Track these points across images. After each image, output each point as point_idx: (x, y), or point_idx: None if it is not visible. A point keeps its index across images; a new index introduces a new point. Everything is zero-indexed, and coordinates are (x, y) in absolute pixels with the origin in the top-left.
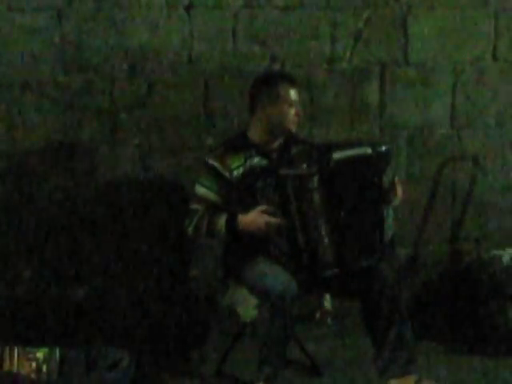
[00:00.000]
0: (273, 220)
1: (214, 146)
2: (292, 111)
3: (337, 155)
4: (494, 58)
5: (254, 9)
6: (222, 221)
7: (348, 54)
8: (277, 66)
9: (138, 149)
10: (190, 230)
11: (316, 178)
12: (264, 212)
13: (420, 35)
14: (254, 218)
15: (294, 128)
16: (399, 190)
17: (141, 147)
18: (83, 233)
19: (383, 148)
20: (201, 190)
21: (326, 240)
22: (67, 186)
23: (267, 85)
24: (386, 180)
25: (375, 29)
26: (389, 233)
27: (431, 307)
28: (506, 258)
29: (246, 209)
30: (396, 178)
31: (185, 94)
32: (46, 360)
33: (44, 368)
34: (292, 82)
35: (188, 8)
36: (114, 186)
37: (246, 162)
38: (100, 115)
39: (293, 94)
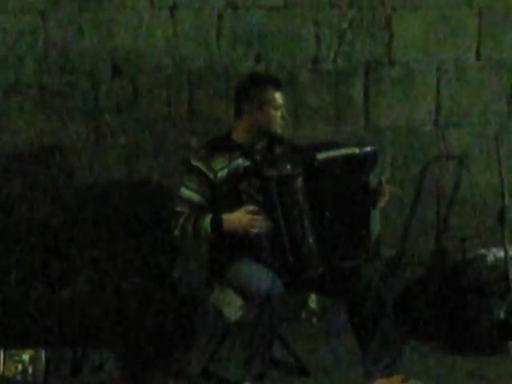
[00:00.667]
0: (257, 219)
1: (198, 147)
2: (278, 114)
3: (321, 156)
4: (478, 56)
5: (239, 9)
6: (207, 221)
7: (332, 54)
8: (261, 67)
9: (123, 150)
10: (176, 231)
11: (300, 179)
12: (249, 212)
13: (404, 35)
14: (239, 218)
15: (279, 131)
16: (386, 192)
17: (126, 148)
18: (68, 234)
19: (370, 148)
20: (186, 193)
21: (311, 240)
22: (52, 187)
23: (254, 89)
24: (372, 180)
25: (359, 29)
26: (375, 233)
27: (416, 306)
28: (490, 258)
29: (231, 210)
30: (383, 179)
31: (169, 95)
32: (32, 362)
33: (30, 370)
34: (278, 85)
35: (172, 9)
36: (99, 187)
37: (230, 163)
38: (85, 117)
39: (278, 97)
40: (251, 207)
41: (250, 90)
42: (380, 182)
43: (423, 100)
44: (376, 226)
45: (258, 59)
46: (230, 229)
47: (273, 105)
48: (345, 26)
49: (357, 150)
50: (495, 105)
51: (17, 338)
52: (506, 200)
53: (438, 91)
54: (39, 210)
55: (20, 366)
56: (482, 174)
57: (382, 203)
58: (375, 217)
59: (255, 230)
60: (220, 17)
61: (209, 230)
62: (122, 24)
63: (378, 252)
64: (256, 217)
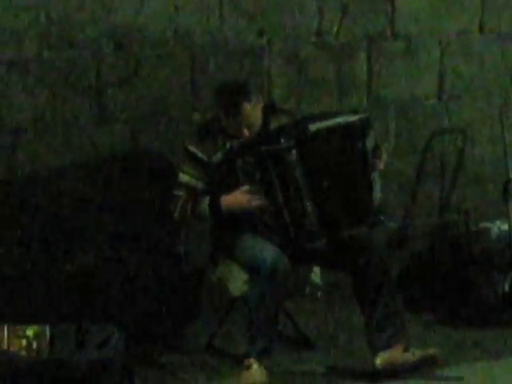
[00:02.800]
0: (255, 198)
1: (200, 121)
2: (246, 123)
3: (313, 127)
4: (481, 29)
5: None
6: (205, 203)
7: (335, 27)
8: (264, 41)
9: (126, 125)
10: (176, 215)
11: (294, 151)
12: (246, 191)
13: (407, 8)
14: (236, 198)
15: (248, 134)
16: (384, 154)
17: (128, 123)
18: (72, 209)
19: (362, 114)
20: (184, 177)
21: (311, 212)
22: (56, 161)
23: (222, 99)
24: (369, 146)
25: (362, 2)
26: (377, 199)
27: (420, 279)
28: (494, 230)
29: (230, 190)
30: (380, 146)
31: (171, 69)
32: (37, 337)
33: (34, 345)
34: (246, 95)
35: None
36: (101, 161)
37: (224, 144)
38: (87, 92)
39: (247, 108)
40: (247, 187)
41: (218, 99)
42: (377, 146)
43: (426, 73)
44: (377, 192)
45: (260, 33)
46: (229, 209)
47: (242, 118)
48: None
49: (351, 118)
50: (499, 77)
51: (21, 314)
52: (510, 173)
53: (441, 64)
54: (43, 185)
55: (24, 342)
56: (485, 147)
57: (380, 164)
58: (376, 182)
59: (253, 208)
60: None
61: (207, 212)
62: None
63: (381, 217)
64: (253, 196)
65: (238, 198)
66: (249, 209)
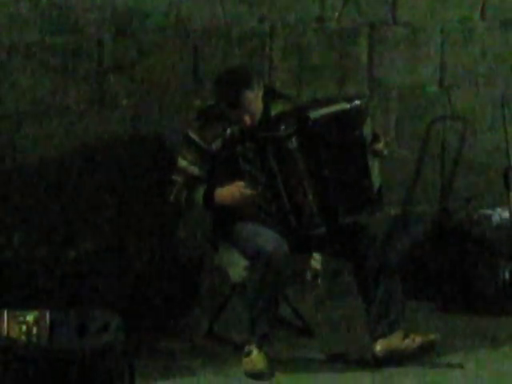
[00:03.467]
0: (248, 192)
1: (201, 108)
2: (248, 111)
3: (313, 114)
4: (483, 16)
5: None
6: (199, 193)
7: (337, 13)
8: (265, 27)
9: (127, 110)
10: (171, 199)
11: (294, 139)
12: (241, 187)
13: None
14: (230, 192)
15: (250, 123)
16: (381, 140)
17: (129, 109)
18: (73, 195)
19: (359, 101)
20: (183, 163)
21: (311, 199)
22: (56, 146)
23: (222, 89)
24: (366, 132)
25: None
26: (376, 184)
27: (421, 266)
28: (495, 218)
29: (230, 177)
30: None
31: (173, 56)
32: (37, 323)
33: (34, 331)
34: (247, 83)
35: None
36: (102, 147)
37: (224, 131)
38: (88, 77)
39: (249, 96)
40: (241, 182)
41: (218, 88)
42: (375, 134)
43: (428, 60)
44: (377, 177)
45: (261, 19)
46: (222, 203)
47: (243, 106)
48: None
49: (347, 105)
50: (500, 65)
51: (21, 299)
52: (511, 160)
53: (442, 51)
54: (43, 170)
55: (24, 327)
56: (486, 134)
57: (380, 147)
58: (375, 168)
59: (247, 204)
60: None
61: (201, 202)
62: None
63: (381, 204)
64: (247, 190)
65: (233, 193)
66: (241, 205)
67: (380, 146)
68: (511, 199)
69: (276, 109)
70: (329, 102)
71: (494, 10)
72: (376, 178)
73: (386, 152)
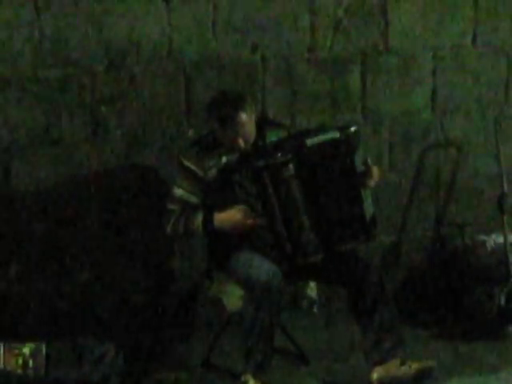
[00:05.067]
0: (249, 216)
1: (194, 137)
2: (241, 133)
3: (310, 141)
4: (474, 42)
5: None
6: (198, 219)
7: (328, 42)
8: (257, 56)
9: (120, 142)
10: (168, 229)
11: (291, 166)
12: (241, 211)
13: (400, 22)
14: (230, 216)
15: (243, 146)
16: (375, 171)
17: (123, 140)
18: (68, 227)
19: (351, 130)
20: (178, 192)
21: (308, 226)
22: (51, 178)
23: (215, 110)
24: (358, 161)
25: (355, 17)
26: (369, 213)
27: (416, 293)
28: (490, 244)
29: (226, 205)
30: (369, 160)
31: (165, 86)
32: (33, 355)
33: (31, 363)
34: (240, 104)
35: None
36: (96, 177)
37: (220, 159)
38: (81, 109)
39: (243, 117)
40: (242, 206)
41: (212, 110)
42: (366, 162)
43: (420, 87)
44: (369, 205)
45: (254, 49)
46: (221, 227)
47: (236, 128)
48: (340, 14)
49: (337, 134)
50: (492, 91)
51: (17, 332)
52: (505, 186)
53: (434, 78)
54: (38, 201)
55: (20, 360)
56: (480, 161)
57: (371, 182)
58: (367, 197)
59: (247, 228)
60: (215, 6)
61: (200, 228)
62: (116, 15)
63: (374, 232)
64: (247, 215)
65: (232, 217)
66: (241, 229)
67: (371, 182)
68: (505, 225)
69: (271, 137)
70: (321, 130)
71: (485, 37)
72: (369, 207)
73: (373, 184)
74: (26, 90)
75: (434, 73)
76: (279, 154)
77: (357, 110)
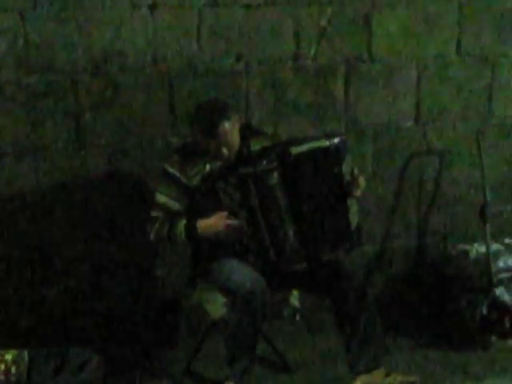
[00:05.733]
0: (233, 222)
1: (178, 145)
2: (224, 141)
3: (295, 150)
4: (458, 52)
5: (219, 7)
6: (181, 226)
7: (312, 51)
8: (241, 65)
9: (104, 149)
10: (152, 236)
11: (276, 174)
12: (223, 217)
13: (383, 31)
14: (213, 222)
15: (226, 155)
16: (361, 181)
17: (106, 147)
18: (50, 234)
19: (338, 138)
20: (161, 199)
21: (292, 235)
22: (34, 186)
23: (204, 123)
24: (345, 170)
25: (339, 26)
26: (354, 222)
27: (399, 302)
28: (472, 253)
29: (210, 212)
30: (356, 170)
31: (150, 94)
32: (15, 362)
33: (13, 370)
34: (223, 113)
35: (152, 8)
36: (79, 185)
37: (204, 166)
38: (65, 116)
39: (226, 126)
40: (225, 212)
41: (196, 119)
42: (352, 172)
43: (404, 96)
44: (354, 215)
45: (238, 57)
46: (204, 234)
47: (217, 134)
48: (324, 22)
49: (327, 142)
50: (476, 100)
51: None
52: (488, 195)
53: (418, 87)
54: (21, 209)
55: (3, 366)
56: (463, 170)
57: (357, 192)
58: (352, 206)
59: (230, 234)
60: (200, 15)
61: (183, 235)
62: (101, 23)
63: (359, 241)
64: (231, 221)
65: (215, 224)
66: (223, 236)
67: (357, 192)
68: (488, 234)
69: (255, 145)
70: (308, 139)
71: (469, 46)
72: (353, 216)
73: (359, 193)
74: (9, 97)
75: (417, 82)
76: (264, 162)
77: (341, 119)
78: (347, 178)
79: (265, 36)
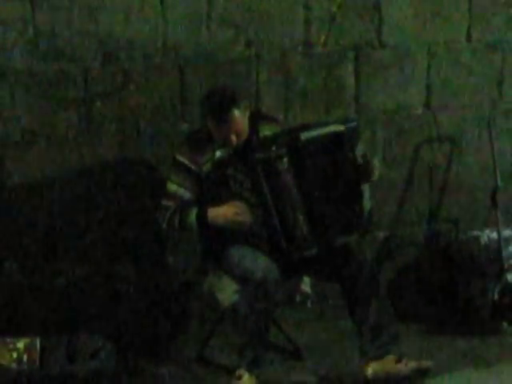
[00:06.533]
0: (243, 213)
1: (188, 132)
2: (234, 129)
3: (304, 135)
4: (468, 39)
5: None
6: (192, 215)
7: (322, 37)
8: (252, 51)
9: (114, 137)
10: (164, 225)
11: (286, 160)
12: (235, 207)
13: (394, 17)
14: (224, 212)
15: (235, 143)
16: (376, 163)
17: (117, 135)
18: (61, 221)
19: (352, 123)
20: (172, 187)
21: (302, 221)
22: (44, 173)
23: (208, 106)
24: (358, 155)
25: (349, 12)
26: (366, 208)
27: (410, 288)
28: (484, 239)
29: (221, 199)
30: (368, 153)
31: (160, 81)
32: (27, 350)
33: (25, 358)
34: (233, 101)
35: None
36: (90, 173)
37: (214, 153)
38: (75, 104)
39: (236, 114)
40: (237, 202)
41: (205, 107)
42: (365, 155)
43: (414, 82)
44: (367, 200)
45: (248, 44)
46: (215, 222)
47: (230, 125)
48: (334, 9)
49: (340, 127)
50: (486, 86)
51: (11, 327)
52: (499, 181)
53: (428, 73)
54: (32, 197)
55: (15, 354)
56: (473, 156)
57: (374, 177)
58: (365, 191)
59: (240, 224)
60: (210, 2)
61: (194, 223)
62: (111, 11)
63: (371, 227)
64: (241, 210)
65: (226, 213)
66: (234, 225)
67: (373, 176)
68: (499, 220)
69: (265, 131)
70: (318, 124)
71: (480, 32)
72: (367, 201)
73: (376, 177)
74: (20, 85)
75: (428, 68)
76: (273, 148)
77: (350, 105)
78: (360, 161)
79: (275, 23)
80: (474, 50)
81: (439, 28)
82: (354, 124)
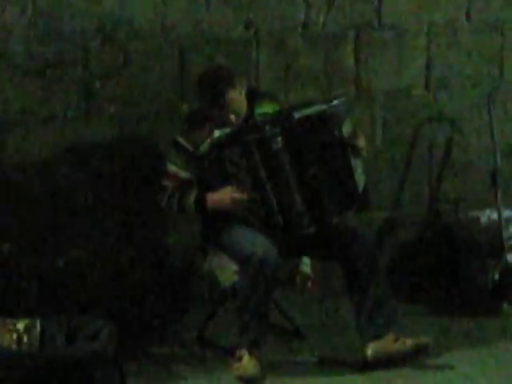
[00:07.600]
0: (239, 196)
1: (188, 112)
2: (230, 109)
3: (297, 114)
4: (468, 18)
5: None
6: (191, 198)
7: (322, 18)
8: (251, 32)
9: (114, 117)
10: (163, 205)
11: (279, 139)
12: (232, 191)
13: None
14: (222, 197)
15: (234, 122)
16: (361, 140)
17: (116, 115)
18: (62, 202)
19: (337, 101)
20: (171, 168)
21: (298, 199)
22: (44, 154)
23: (209, 94)
24: (346, 131)
25: None
26: (360, 183)
27: (410, 268)
28: (484, 219)
29: (218, 181)
30: (358, 130)
31: (159, 61)
32: (27, 331)
33: (25, 339)
34: (229, 81)
35: None
36: (90, 153)
37: (212, 133)
38: (75, 85)
39: (232, 94)
40: (233, 187)
41: (202, 88)
42: (354, 132)
43: (414, 63)
44: (360, 175)
45: (247, 25)
46: (213, 207)
47: (228, 105)
48: None
49: (324, 106)
50: (486, 67)
51: (11, 307)
52: (499, 161)
53: (428, 53)
54: (32, 178)
55: (15, 335)
56: (473, 136)
57: (361, 151)
58: (357, 167)
59: (237, 208)
60: None
61: (193, 206)
62: None
63: (367, 202)
64: (238, 194)
65: (224, 198)
66: (231, 209)
67: (360, 151)
68: (499, 200)
69: (260, 108)
70: (309, 103)
71: (480, 12)
72: (360, 177)
73: (365, 153)
74: (19, 66)
75: (427, 48)
76: (267, 128)
77: (350, 86)
78: (349, 138)
79: (274, 3)
80: (475, 29)
81: (439, 7)
82: (338, 101)
